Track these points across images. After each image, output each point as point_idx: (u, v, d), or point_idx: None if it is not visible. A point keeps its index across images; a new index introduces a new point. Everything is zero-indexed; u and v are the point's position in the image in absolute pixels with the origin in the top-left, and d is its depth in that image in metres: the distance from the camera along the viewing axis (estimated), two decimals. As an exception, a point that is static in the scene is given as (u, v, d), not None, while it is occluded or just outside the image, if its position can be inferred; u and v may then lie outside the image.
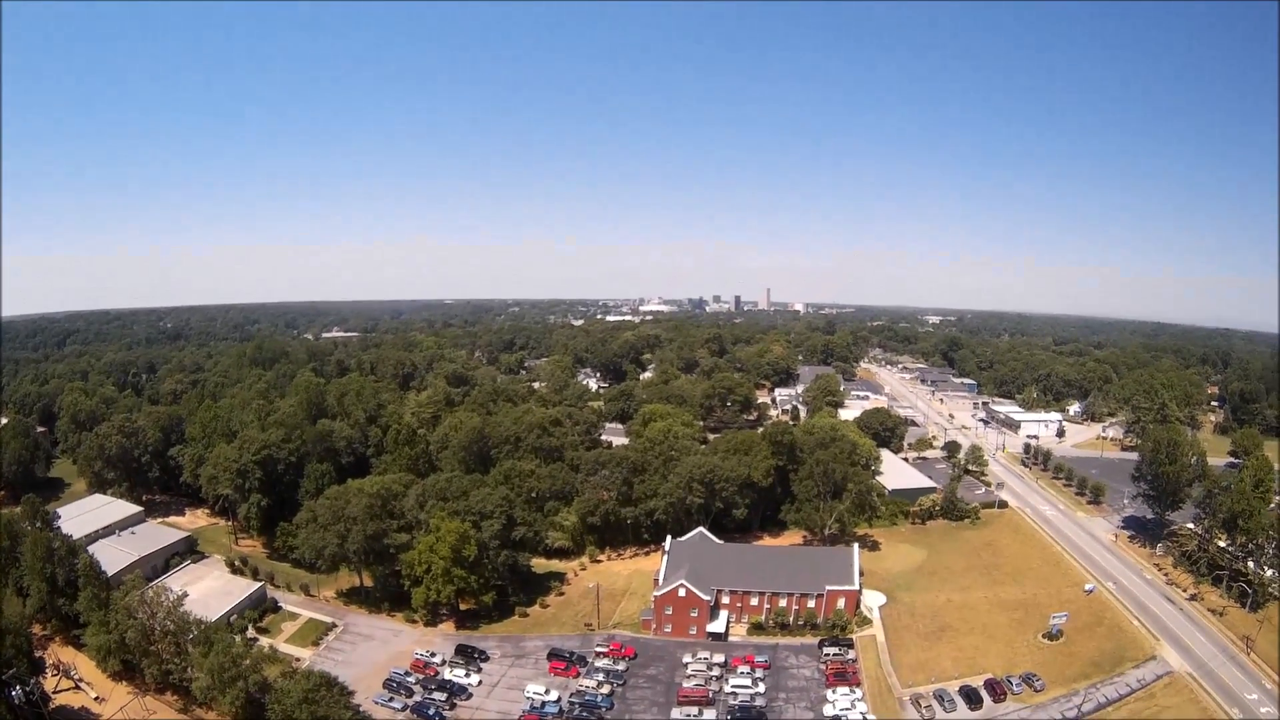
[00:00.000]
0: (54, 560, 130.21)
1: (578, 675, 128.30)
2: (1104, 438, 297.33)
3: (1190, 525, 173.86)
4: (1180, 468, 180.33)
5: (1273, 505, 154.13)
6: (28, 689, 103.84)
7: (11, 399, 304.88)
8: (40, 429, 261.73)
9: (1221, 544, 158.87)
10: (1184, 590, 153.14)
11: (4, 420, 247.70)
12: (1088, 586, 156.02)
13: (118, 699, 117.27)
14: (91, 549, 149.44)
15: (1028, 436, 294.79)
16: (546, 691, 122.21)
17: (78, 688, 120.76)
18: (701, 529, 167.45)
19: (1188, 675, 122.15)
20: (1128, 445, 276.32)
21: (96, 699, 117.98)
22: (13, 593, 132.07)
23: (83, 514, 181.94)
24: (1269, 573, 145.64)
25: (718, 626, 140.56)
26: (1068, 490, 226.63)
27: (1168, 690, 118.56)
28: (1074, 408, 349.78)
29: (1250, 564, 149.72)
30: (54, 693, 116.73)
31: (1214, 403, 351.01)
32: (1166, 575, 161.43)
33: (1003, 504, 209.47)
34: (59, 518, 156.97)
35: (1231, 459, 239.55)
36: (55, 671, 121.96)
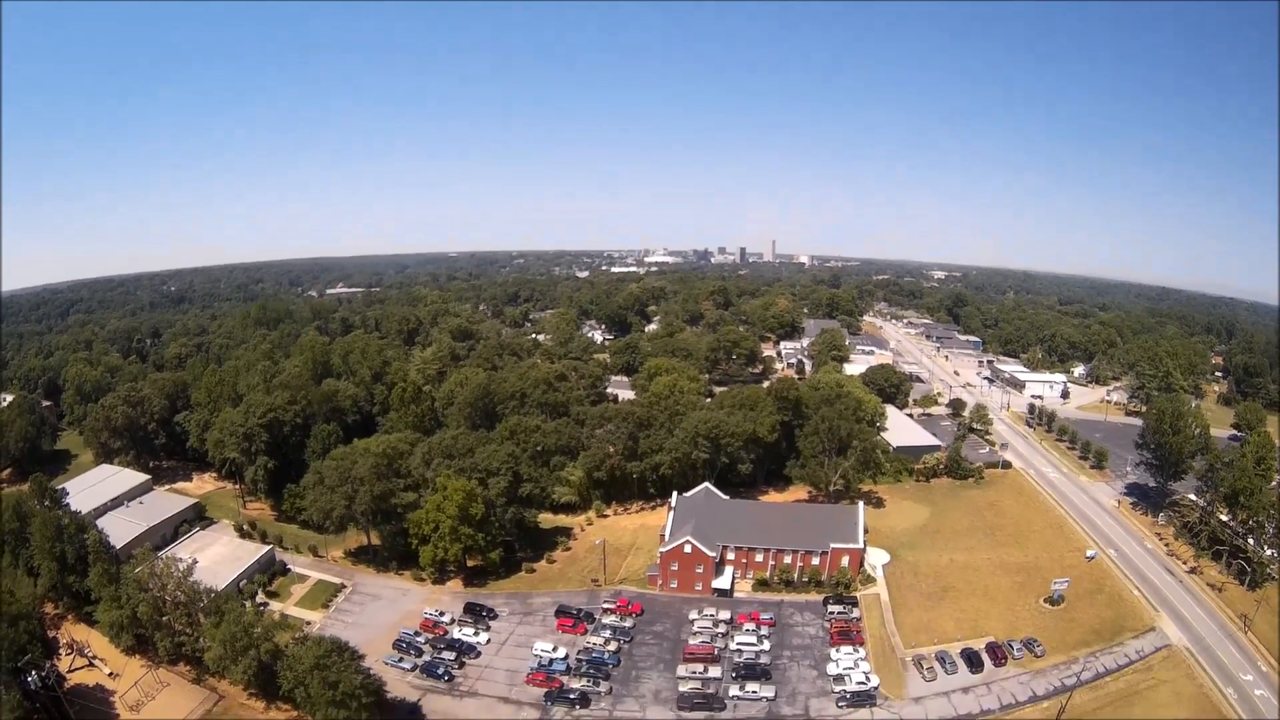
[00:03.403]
0: (63, 538, 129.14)
1: (585, 632, 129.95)
2: (1108, 401, 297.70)
3: (1192, 496, 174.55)
4: (1183, 439, 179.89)
5: (1274, 484, 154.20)
6: (43, 674, 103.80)
7: (16, 375, 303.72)
8: (46, 403, 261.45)
9: (1223, 518, 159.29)
10: (1184, 562, 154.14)
11: (7, 398, 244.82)
12: (1089, 553, 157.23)
13: (131, 674, 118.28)
14: (100, 522, 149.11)
15: (1032, 397, 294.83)
16: (554, 649, 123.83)
17: (91, 665, 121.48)
18: (707, 484, 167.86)
19: (1185, 650, 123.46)
20: (1132, 410, 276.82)
21: (110, 675, 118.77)
22: (23, 574, 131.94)
23: (90, 487, 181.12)
24: (1269, 552, 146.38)
25: (723, 583, 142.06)
26: (1071, 453, 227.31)
27: (1165, 664, 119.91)
28: (1078, 370, 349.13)
29: (1250, 541, 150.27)
30: (68, 672, 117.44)
31: (1218, 373, 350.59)
32: (1167, 546, 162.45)
33: (1006, 464, 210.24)
34: (67, 494, 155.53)
35: (1235, 431, 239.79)
36: (69, 651, 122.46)
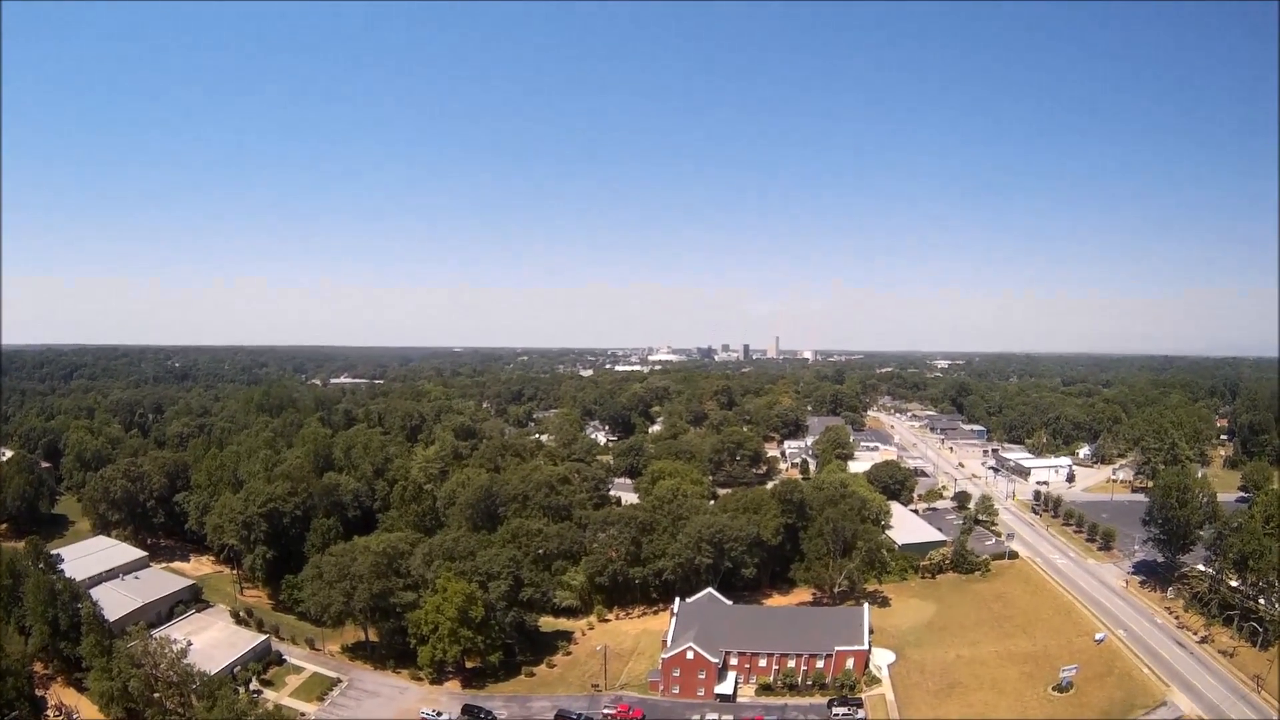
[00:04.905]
0: (56, 604, 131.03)
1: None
2: (1114, 480, 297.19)
3: (1201, 566, 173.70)
4: (1190, 510, 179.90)
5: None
6: None
7: (17, 432, 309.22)
8: (45, 464, 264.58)
9: (1233, 584, 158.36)
10: (1195, 633, 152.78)
11: (6, 454, 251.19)
12: (1098, 635, 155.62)
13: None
14: (94, 593, 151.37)
15: (1037, 483, 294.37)
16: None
17: None
18: (710, 589, 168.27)
19: (1197, 719, 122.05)
20: (1138, 486, 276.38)
21: None
22: (14, 631, 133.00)
23: (86, 555, 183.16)
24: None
25: (726, 688, 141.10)
26: (1078, 537, 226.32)
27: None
28: (1084, 450, 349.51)
29: (1261, 602, 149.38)
30: None
31: (1223, 435, 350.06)
32: (1178, 618, 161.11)
33: (1013, 554, 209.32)
34: (62, 560, 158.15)
35: (1242, 493, 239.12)
36: (57, 713, 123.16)
